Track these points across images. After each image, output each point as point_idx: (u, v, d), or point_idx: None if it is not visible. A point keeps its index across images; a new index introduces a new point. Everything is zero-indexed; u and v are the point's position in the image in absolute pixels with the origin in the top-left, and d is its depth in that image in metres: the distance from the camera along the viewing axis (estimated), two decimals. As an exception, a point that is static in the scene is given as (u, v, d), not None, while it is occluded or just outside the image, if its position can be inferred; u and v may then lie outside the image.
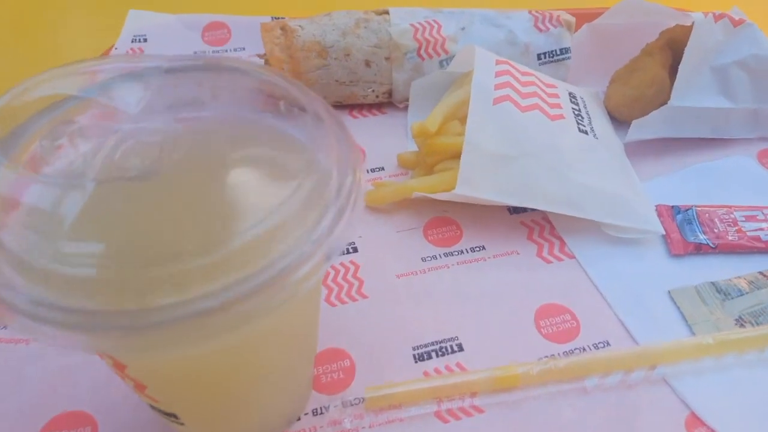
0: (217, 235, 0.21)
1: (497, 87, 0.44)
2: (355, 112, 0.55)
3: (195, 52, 0.59)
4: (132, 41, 0.58)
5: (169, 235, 0.22)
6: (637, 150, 0.50)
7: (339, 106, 0.55)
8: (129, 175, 0.23)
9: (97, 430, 0.33)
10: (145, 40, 0.59)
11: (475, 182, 0.42)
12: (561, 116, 0.45)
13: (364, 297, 0.40)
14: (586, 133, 0.45)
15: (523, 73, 0.47)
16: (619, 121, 0.52)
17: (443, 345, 0.38)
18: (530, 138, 0.43)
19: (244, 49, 0.59)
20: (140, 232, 0.22)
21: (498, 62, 0.46)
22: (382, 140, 0.52)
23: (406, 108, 0.54)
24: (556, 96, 0.47)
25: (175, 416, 0.28)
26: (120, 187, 0.23)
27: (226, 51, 0.59)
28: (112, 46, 0.57)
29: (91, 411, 0.34)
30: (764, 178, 0.49)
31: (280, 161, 0.26)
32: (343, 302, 0.40)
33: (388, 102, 0.55)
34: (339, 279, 0.41)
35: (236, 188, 0.24)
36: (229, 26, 0.60)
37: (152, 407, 0.28)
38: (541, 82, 0.47)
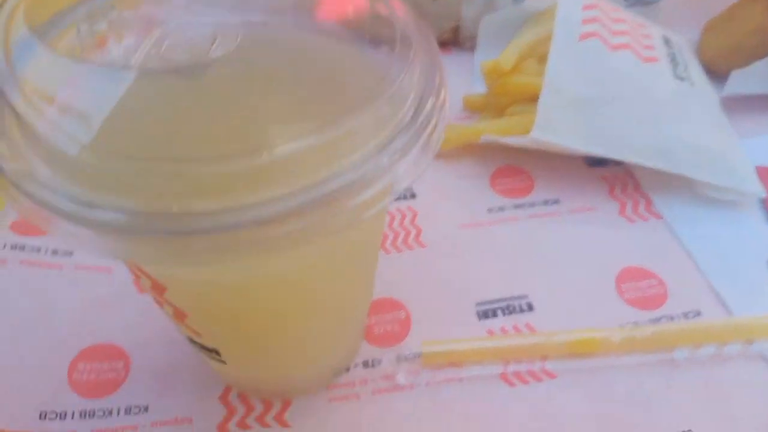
0: (270, 139, 0.18)
1: (585, 22, 0.39)
2: (416, 51, 0.50)
3: None
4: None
5: (215, 134, 0.18)
6: (737, 105, 0.44)
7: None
8: (174, 68, 0.19)
9: (130, 365, 0.31)
10: None
11: (554, 126, 0.37)
12: (655, 58, 0.40)
13: (423, 246, 0.36)
14: (682, 79, 0.40)
15: (614, 9, 0.41)
16: (716, 74, 0.46)
17: (511, 303, 0.34)
18: (619, 80, 0.38)
19: None
20: (183, 129, 0.18)
21: (586, -3, 0.41)
22: (450, 81, 0.47)
23: (472, 49, 0.50)
24: (649, 37, 0.41)
25: (217, 352, 0.25)
26: (163, 80, 0.19)
27: None
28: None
29: (123, 345, 0.31)
30: None
31: (352, 72, 0.22)
32: (399, 250, 0.36)
33: (453, 40, 0.50)
34: (395, 225, 0.37)
35: (295, 93, 0.20)
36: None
37: (192, 341, 0.25)
38: (634, 22, 0.42)
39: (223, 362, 0.26)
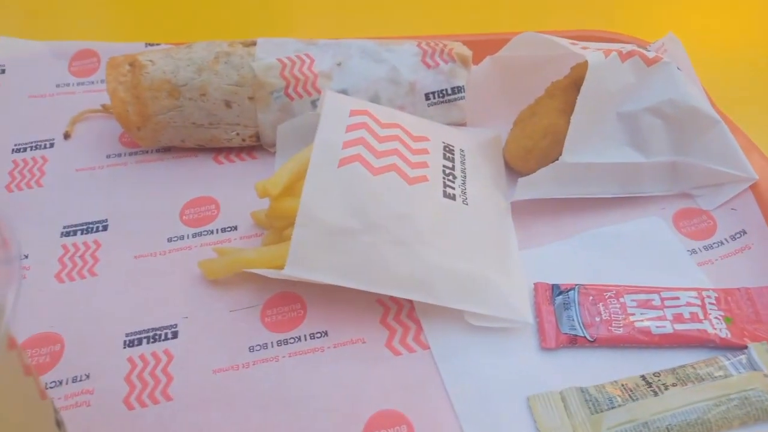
0: None
1: (346, 144, 0.38)
2: (221, 157, 0.48)
3: (57, 85, 0.53)
4: (-8, 71, 0.53)
5: None
6: (529, 209, 0.43)
7: (203, 149, 0.48)
8: None
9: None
10: (3, 72, 0.53)
11: (308, 261, 0.35)
12: (424, 178, 0.38)
13: (169, 399, 0.34)
14: (452, 197, 0.39)
15: (385, 126, 0.40)
16: (517, 173, 0.45)
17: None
18: (380, 206, 0.37)
19: (111, 80, 0.53)
20: None
21: (353, 113, 0.40)
22: (243, 192, 0.45)
23: (274, 155, 0.48)
24: (424, 152, 0.40)
25: None
26: None
27: (92, 83, 0.53)
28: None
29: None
30: (676, 248, 0.42)
31: None
32: (143, 405, 0.34)
33: (258, 145, 0.49)
34: (145, 374, 0.35)
35: None
36: (100, 55, 0.54)
37: None
38: (408, 135, 0.41)
39: None
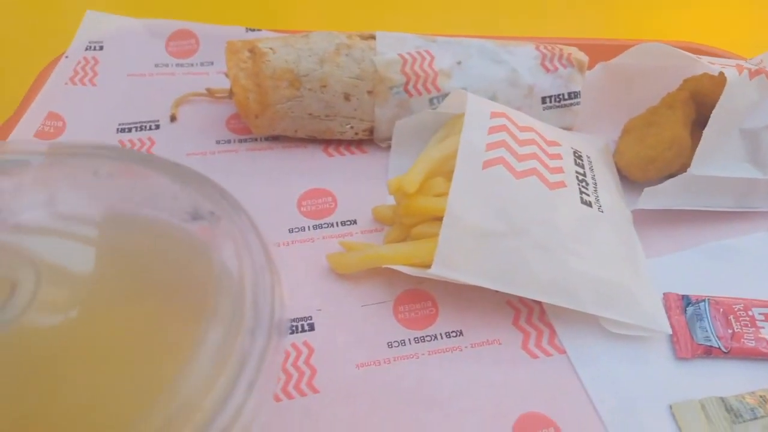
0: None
1: (489, 147, 0.38)
2: (331, 149, 0.48)
3: (156, 65, 0.52)
4: (86, 49, 0.52)
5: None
6: (647, 218, 0.44)
7: (312, 140, 0.48)
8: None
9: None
10: (101, 48, 0.52)
11: (454, 262, 0.36)
12: (562, 183, 0.39)
13: (315, 392, 0.35)
14: (590, 205, 0.39)
15: (522, 129, 0.40)
16: (631, 182, 0.46)
17: (400, 461, 0.32)
18: (523, 211, 0.37)
19: (212, 63, 0.53)
20: None
21: (494, 115, 0.40)
22: (358, 186, 0.45)
23: (389, 148, 0.48)
24: (558, 157, 0.40)
25: None
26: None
27: (192, 65, 0.53)
28: (62, 55, 0.51)
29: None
30: (794, 262, 0.43)
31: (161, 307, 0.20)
32: (289, 396, 0.34)
33: (369, 139, 0.49)
34: (288, 365, 0.35)
35: (113, 343, 0.18)
36: (198, 36, 0.54)
37: None
38: (543, 139, 0.41)
39: None
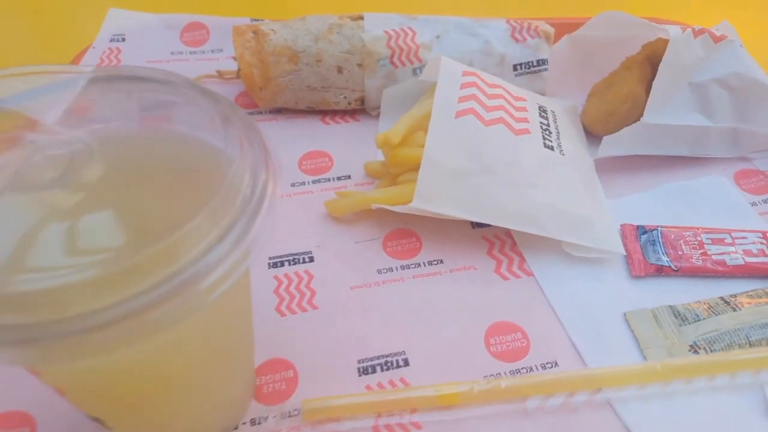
0: (123, 248, 0.21)
1: (461, 99, 0.44)
2: (327, 119, 0.54)
3: (172, 53, 0.59)
4: (110, 40, 0.58)
5: (72, 246, 0.22)
6: (610, 166, 0.49)
7: (311, 111, 0.54)
8: (39, 185, 0.23)
9: (36, 430, 0.34)
10: (124, 40, 0.59)
11: (432, 196, 0.41)
12: (526, 131, 0.44)
13: (314, 308, 0.40)
14: (552, 149, 0.45)
15: (491, 86, 0.46)
16: (595, 136, 0.51)
17: (389, 359, 0.37)
18: (491, 153, 0.42)
19: (221, 50, 0.59)
20: (43, 242, 0.22)
21: (465, 73, 0.46)
22: (351, 148, 0.51)
23: (378, 116, 0.54)
24: (524, 110, 0.46)
25: (101, 420, 0.28)
26: (29, 197, 0.23)
27: (204, 52, 0.59)
28: (89, 45, 0.57)
29: (30, 411, 0.34)
30: (739, 200, 0.48)
31: (191, 169, 0.25)
32: (292, 312, 0.40)
33: (361, 109, 0.55)
34: (291, 288, 0.41)
35: (146, 201, 0.24)
36: (209, 27, 0.60)
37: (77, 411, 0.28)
38: (510, 94, 0.46)
39: (110, 429, 0.29)
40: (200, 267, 0.21)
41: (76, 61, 0.56)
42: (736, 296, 0.40)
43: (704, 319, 0.39)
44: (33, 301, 0.19)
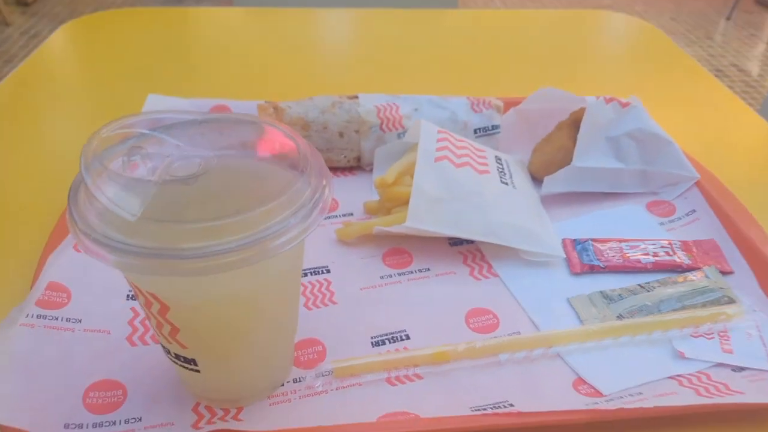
0: (229, 213, 0.34)
1: (438, 149, 0.59)
2: (332, 172, 0.68)
3: (204, 128, 0.73)
4: (154, 119, 0.73)
5: (200, 211, 0.35)
6: (552, 200, 0.64)
7: (318, 168, 0.69)
8: (179, 178, 0.36)
9: (126, 393, 0.44)
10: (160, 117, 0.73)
11: (420, 217, 0.55)
12: (487, 171, 0.59)
13: (334, 303, 0.52)
14: (507, 184, 0.60)
15: (459, 140, 0.61)
16: (539, 180, 0.66)
17: (394, 335, 0.49)
18: (462, 186, 0.57)
19: (243, 125, 0.74)
20: (183, 208, 0.35)
21: (439, 131, 0.61)
22: (353, 194, 0.65)
23: (371, 170, 0.69)
24: (484, 157, 0.61)
25: (194, 362, 0.40)
26: (173, 185, 0.36)
27: (229, 127, 0.74)
28: (138, 122, 0.72)
29: (121, 380, 0.45)
30: (650, 221, 0.63)
31: (274, 177, 0.39)
32: (317, 307, 0.52)
33: (357, 166, 0.69)
34: (315, 291, 0.53)
35: (246, 190, 0.37)
36: (231, 108, 0.75)
37: (176, 359, 0.40)
38: (473, 147, 0.62)
39: (198, 371, 0.40)
40: (273, 230, 0.34)
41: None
42: (649, 283, 0.54)
43: (626, 298, 0.52)
44: (183, 235, 0.32)
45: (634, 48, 1.10)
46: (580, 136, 0.63)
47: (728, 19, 3.67)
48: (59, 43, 1.01)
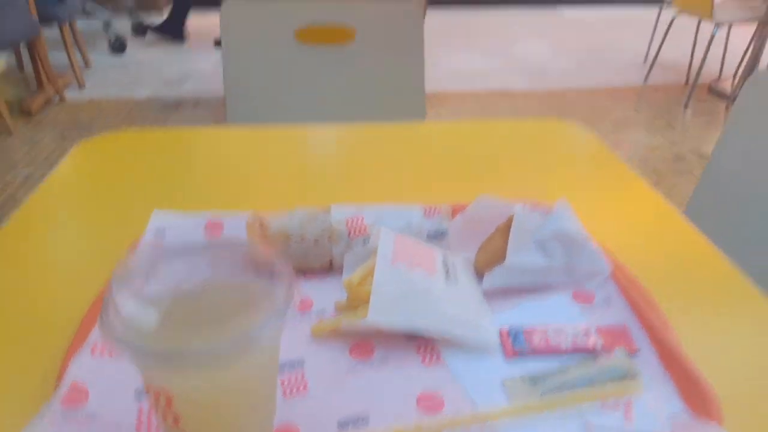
0: (220, 323, 0.46)
1: (395, 254, 0.71)
2: (308, 276, 0.81)
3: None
4: (155, 234, 0.86)
5: (203, 319, 0.47)
6: (494, 293, 0.76)
7: (297, 271, 0.81)
8: (181, 296, 0.48)
9: None
10: (164, 230, 0.86)
11: (379, 314, 0.67)
12: (435, 270, 0.72)
13: (307, 391, 0.63)
14: (452, 281, 0.72)
15: (413, 244, 0.74)
16: (482, 276, 0.79)
17: (357, 419, 0.60)
18: (414, 284, 0.69)
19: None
20: (191, 317, 0.47)
21: (396, 237, 0.74)
22: (326, 294, 0.77)
23: (342, 272, 0.81)
24: (434, 258, 0.74)
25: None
26: (183, 300, 0.48)
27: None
28: (141, 236, 0.84)
29: None
30: (573, 309, 0.75)
31: (253, 292, 0.51)
32: (293, 395, 0.63)
33: (330, 269, 0.82)
34: (291, 382, 0.64)
35: (231, 305, 0.50)
36: (224, 224, 0.88)
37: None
38: (425, 249, 0.75)
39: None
40: (256, 333, 0.46)
41: (133, 244, 0.82)
42: (568, 366, 0.65)
43: (548, 378, 0.64)
44: (176, 339, 0.44)
45: (572, 152, 1.26)
46: (510, 239, 0.76)
47: (686, 107, 3.97)
48: (72, 163, 1.15)
